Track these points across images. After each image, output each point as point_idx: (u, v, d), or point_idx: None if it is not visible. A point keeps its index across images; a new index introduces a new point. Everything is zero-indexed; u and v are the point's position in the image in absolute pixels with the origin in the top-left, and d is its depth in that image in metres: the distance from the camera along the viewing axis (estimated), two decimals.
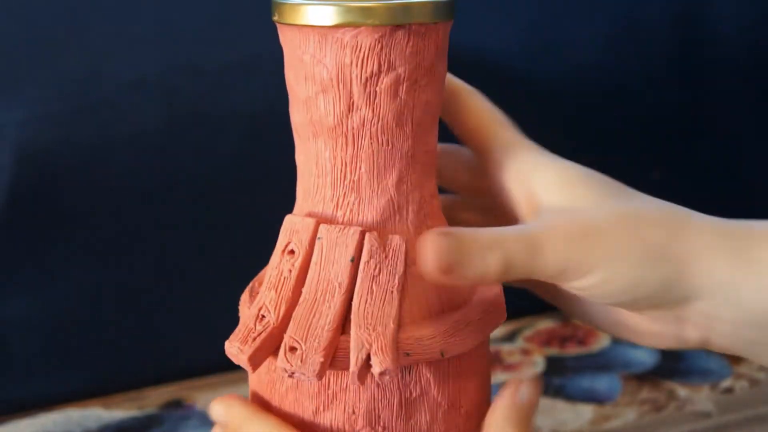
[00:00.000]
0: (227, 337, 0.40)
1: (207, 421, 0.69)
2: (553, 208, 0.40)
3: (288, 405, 0.40)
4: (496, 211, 0.44)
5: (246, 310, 0.42)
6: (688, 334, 0.40)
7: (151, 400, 0.72)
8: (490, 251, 0.37)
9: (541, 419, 0.67)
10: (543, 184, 0.41)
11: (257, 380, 0.42)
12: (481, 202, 0.48)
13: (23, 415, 0.69)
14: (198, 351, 0.75)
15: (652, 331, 0.41)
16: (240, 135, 0.72)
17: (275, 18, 0.40)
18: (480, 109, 0.44)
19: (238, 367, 0.79)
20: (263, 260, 0.46)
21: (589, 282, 0.38)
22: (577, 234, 0.38)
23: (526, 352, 0.77)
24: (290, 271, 0.39)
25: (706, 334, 0.39)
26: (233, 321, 0.46)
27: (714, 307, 0.38)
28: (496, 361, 0.75)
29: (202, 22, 0.70)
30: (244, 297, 0.43)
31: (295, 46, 0.39)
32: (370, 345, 0.37)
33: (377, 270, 0.39)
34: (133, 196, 0.71)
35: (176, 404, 0.71)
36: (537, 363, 0.76)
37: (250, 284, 0.44)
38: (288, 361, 0.37)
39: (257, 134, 0.73)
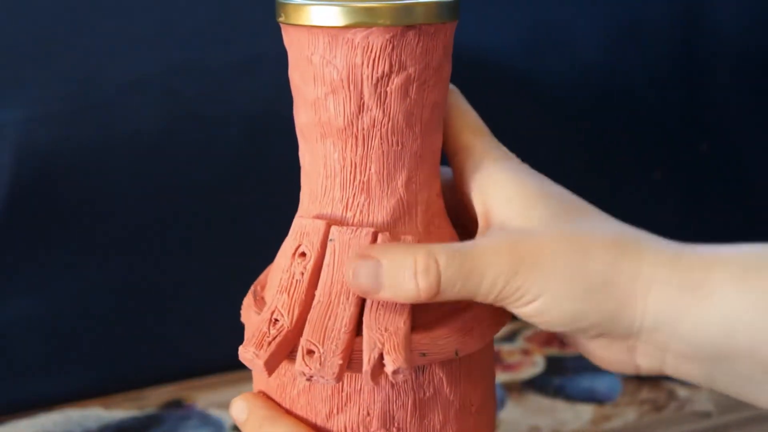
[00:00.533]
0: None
1: (207, 421, 0.69)
2: (502, 226, 0.39)
3: (300, 409, 0.40)
4: (469, 226, 0.43)
5: (252, 314, 0.41)
6: (641, 362, 0.39)
7: (151, 400, 0.72)
8: (418, 274, 0.36)
9: (541, 419, 0.67)
10: (498, 199, 0.40)
11: (265, 384, 0.42)
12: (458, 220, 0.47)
13: (23, 415, 0.69)
14: (198, 351, 0.75)
15: (605, 358, 0.40)
16: (240, 135, 0.72)
17: (281, 19, 0.39)
18: (455, 113, 0.43)
19: (238, 367, 0.79)
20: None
21: (528, 310, 0.37)
22: (517, 260, 0.37)
23: (526, 352, 0.77)
24: (302, 273, 0.39)
25: (658, 364, 0.39)
26: (233, 321, 0.46)
27: (661, 341, 0.37)
28: (496, 360, 0.75)
29: (201, 22, 0.70)
30: (248, 301, 0.43)
31: (302, 47, 0.38)
32: (383, 344, 0.37)
33: None
34: (132, 196, 0.71)
35: (176, 404, 0.71)
36: (537, 363, 0.76)
37: (252, 288, 0.44)
38: (307, 365, 0.37)
39: (257, 134, 0.73)
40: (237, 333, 0.45)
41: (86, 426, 0.68)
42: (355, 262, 0.37)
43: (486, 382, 0.43)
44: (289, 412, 0.40)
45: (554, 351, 0.77)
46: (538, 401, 0.70)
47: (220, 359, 0.73)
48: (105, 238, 0.71)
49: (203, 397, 0.72)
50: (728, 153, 0.88)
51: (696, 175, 0.88)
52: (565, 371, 0.74)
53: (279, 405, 0.41)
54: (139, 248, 0.72)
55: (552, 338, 0.79)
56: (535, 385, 0.72)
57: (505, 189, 0.40)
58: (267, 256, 0.45)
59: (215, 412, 0.70)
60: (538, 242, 0.37)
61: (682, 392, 0.70)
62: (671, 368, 0.39)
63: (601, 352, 0.40)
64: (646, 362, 0.39)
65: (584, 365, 0.74)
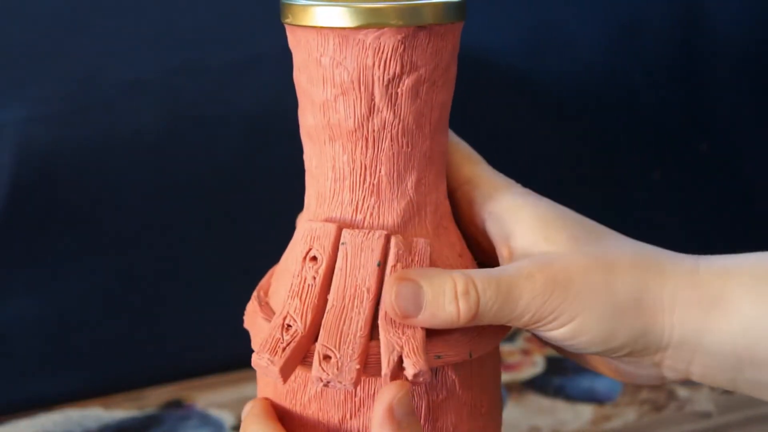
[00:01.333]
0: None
1: (207, 421, 0.69)
2: (526, 251, 0.40)
3: (312, 414, 0.40)
4: (477, 254, 0.44)
5: (259, 320, 0.41)
6: (667, 374, 0.40)
7: (151, 400, 0.72)
8: (458, 297, 0.37)
9: (541, 419, 0.67)
10: (518, 225, 0.40)
11: (273, 390, 0.41)
12: None
13: (23, 415, 0.69)
14: (198, 351, 0.75)
15: (631, 373, 0.41)
16: (240, 135, 0.72)
17: (287, 20, 0.39)
18: (453, 148, 0.43)
19: (238, 367, 0.79)
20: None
21: (560, 333, 0.38)
22: (551, 284, 0.37)
23: (526, 352, 0.77)
24: (314, 278, 0.38)
25: (685, 375, 0.40)
26: (233, 322, 0.46)
27: (687, 354, 0.38)
28: None
29: (201, 22, 0.70)
30: (253, 307, 0.42)
31: (311, 49, 0.38)
32: (401, 348, 0.36)
33: None
34: (132, 196, 0.71)
35: (176, 404, 0.71)
36: (537, 363, 0.76)
37: (255, 293, 0.43)
38: (324, 370, 0.36)
39: (257, 134, 0.73)
40: (237, 333, 0.45)
41: (86, 426, 0.68)
42: (396, 284, 0.37)
43: (494, 383, 0.43)
44: (301, 419, 0.40)
45: (554, 351, 0.77)
46: (538, 401, 0.70)
47: (220, 359, 0.74)
48: (105, 238, 0.71)
49: (203, 397, 0.72)
50: (728, 153, 0.88)
51: (696, 175, 0.88)
52: (565, 371, 0.74)
53: (289, 412, 0.40)
54: (139, 248, 0.72)
55: None
56: (535, 385, 0.72)
57: (522, 215, 0.40)
58: (267, 256, 0.45)
59: (215, 412, 0.70)
60: (568, 265, 0.38)
61: (682, 392, 0.70)
62: (696, 377, 0.39)
63: (628, 369, 0.41)
64: (672, 374, 0.40)
65: None
